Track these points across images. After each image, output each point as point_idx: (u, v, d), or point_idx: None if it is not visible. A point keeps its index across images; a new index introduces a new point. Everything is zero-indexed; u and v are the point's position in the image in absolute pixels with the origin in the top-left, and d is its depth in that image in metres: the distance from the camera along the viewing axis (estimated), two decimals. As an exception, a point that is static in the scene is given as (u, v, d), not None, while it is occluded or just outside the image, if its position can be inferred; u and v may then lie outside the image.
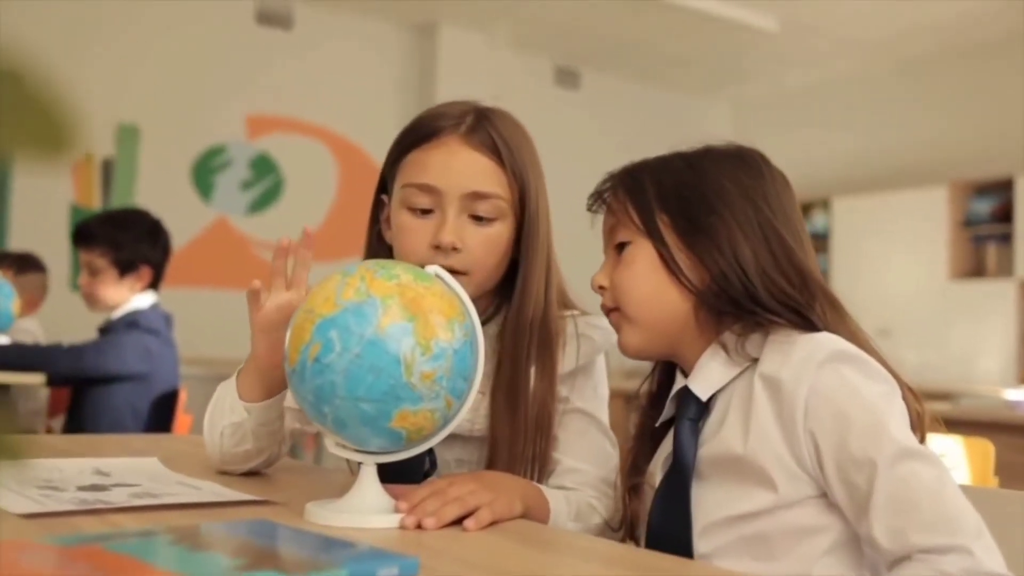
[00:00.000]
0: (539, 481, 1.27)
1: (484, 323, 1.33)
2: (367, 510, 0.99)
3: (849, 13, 6.17)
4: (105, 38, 5.75)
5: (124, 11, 5.81)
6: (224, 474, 1.27)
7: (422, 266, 1.05)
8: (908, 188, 6.79)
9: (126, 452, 1.42)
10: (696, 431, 1.13)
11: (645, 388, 1.27)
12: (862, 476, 1.00)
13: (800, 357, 1.04)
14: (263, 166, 6.42)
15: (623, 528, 1.23)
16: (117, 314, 2.81)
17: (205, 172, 6.23)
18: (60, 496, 1.03)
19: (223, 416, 1.25)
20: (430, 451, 1.30)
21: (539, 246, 1.31)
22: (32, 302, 3.55)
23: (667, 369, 1.24)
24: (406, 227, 1.29)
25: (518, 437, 1.26)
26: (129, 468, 1.25)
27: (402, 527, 0.97)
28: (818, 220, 7.26)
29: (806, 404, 1.03)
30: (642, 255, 1.16)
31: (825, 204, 7.27)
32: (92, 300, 2.82)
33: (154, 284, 2.89)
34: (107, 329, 2.81)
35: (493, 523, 1.01)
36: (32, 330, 3.43)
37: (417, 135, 1.30)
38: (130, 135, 5.95)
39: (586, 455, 1.30)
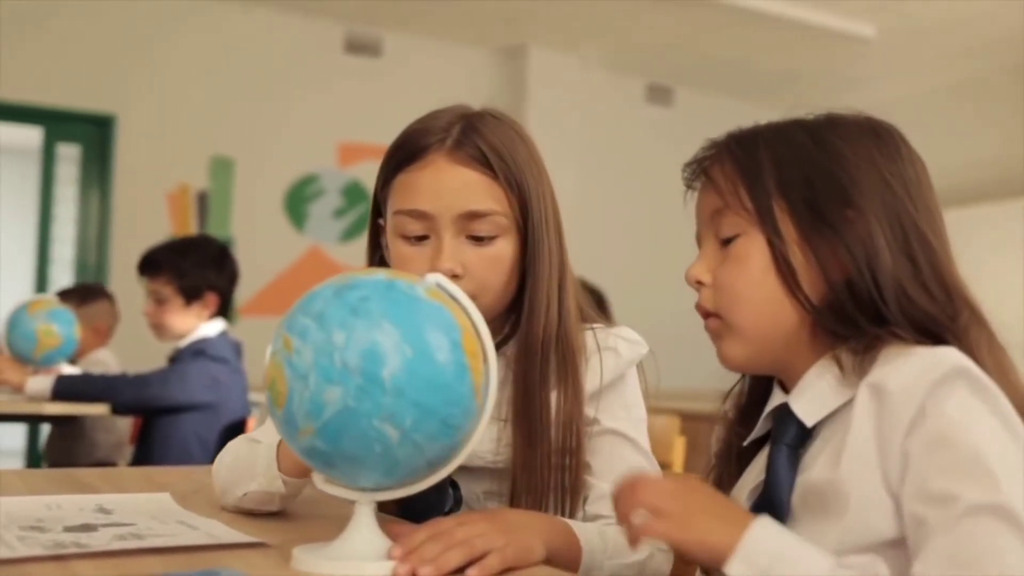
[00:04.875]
0: (572, 514, 1.14)
1: (501, 344, 1.22)
2: (358, 556, 0.87)
3: (951, 17, 5.87)
4: (197, 72, 5.84)
5: (214, 45, 5.90)
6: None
7: None
8: (1021, 198, 6.42)
9: (150, 486, 1.34)
10: (795, 461, 0.94)
11: (733, 398, 1.07)
12: (933, 512, 0.82)
13: (915, 369, 0.86)
14: (355, 194, 6.42)
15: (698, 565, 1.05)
16: (184, 343, 2.78)
17: (298, 201, 6.27)
18: (37, 538, 0.94)
19: (252, 480, 1.14)
20: (454, 484, 1.18)
21: (545, 257, 1.20)
22: (101, 331, 3.55)
23: (761, 377, 1.04)
24: (402, 257, 1.19)
25: (542, 466, 1.13)
26: (134, 505, 1.16)
27: (395, 576, 0.84)
28: (928, 234, 6.92)
29: (911, 423, 0.84)
30: (758, 252, 0.95)
31: (936, 217, 6.93)
32: (159, 329, 2.80)
33: (223, 311, 2.85)
34: (175, 358, 2.78)
35: (506, 571, 0.88)
36: (105, 361, 3.43)
37: (403, 155, 1.20)
38: (224, 166, 6.02)
39: None
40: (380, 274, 0.89)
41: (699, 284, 1.01)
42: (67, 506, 1.14)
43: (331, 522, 1.13)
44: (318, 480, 0.92)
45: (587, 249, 6.38)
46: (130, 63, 5.64)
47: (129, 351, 3.91)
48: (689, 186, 1.05)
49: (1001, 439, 0.83)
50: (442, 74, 6.60)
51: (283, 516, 1.17)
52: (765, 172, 0.97)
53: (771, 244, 0.95)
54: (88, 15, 5.52)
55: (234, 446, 1.21)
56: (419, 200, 1.17)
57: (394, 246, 1.21)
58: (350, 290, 0.86)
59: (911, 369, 0.86)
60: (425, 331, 0.84)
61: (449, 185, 1.17)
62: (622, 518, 0.85)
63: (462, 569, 0.86)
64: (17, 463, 5.70)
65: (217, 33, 5.91)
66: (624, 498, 0.86)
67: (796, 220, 0.95)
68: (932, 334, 0.91)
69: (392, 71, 6.44)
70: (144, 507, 1.16)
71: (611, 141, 6.79)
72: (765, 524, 0.83)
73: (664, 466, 2.73)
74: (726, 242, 0.99)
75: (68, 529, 1.00)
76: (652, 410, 3.12)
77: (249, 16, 5.98)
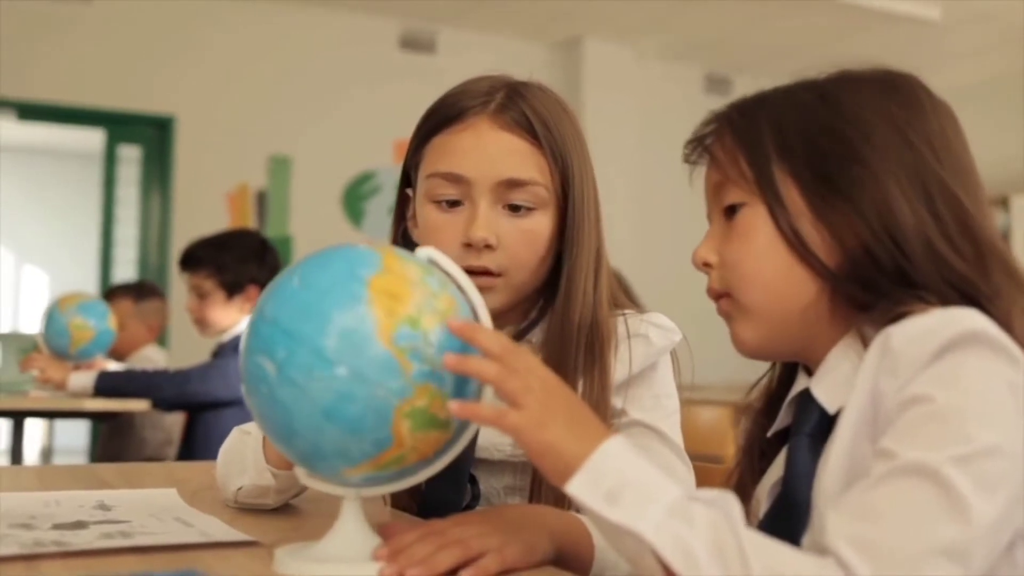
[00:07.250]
0: None
1: (528, 329, 1.15)
2: (341, 556, 0.81)
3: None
4: (254, 72, 5.87)
5: (271, 44, 5.92)
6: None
7: None
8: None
9: (166, 482, 1.30)
10: (816, 451, 0.84)
11: (761, 387, 0.99)
12: (874, 466, 0.73)
13: (924, 327, 0.77)
14: (412, 191, 6.40)
15: None
16: (226, 337, 2.76)
17: (355, 198, 6.27)
18: (18, 536, 0.90)
19: (243, 474, 1.10)
20: (473, 479, 1.12)
21: (585, 238, 1.12)
22: (153, 328, 3.59)
23: (791, 364, 0.95)
24: (432, 223, 1.12)
25: None
26: (136, 501, 1.12)
27: (381, 578, 0.78)
28: (998, 220, 6.69)
29: (910, 389, 0.74)
30: (763, 223, 0.88)
31: (1004, 203, 6.72)
32: (202, 324, 2.78)
33: (265, 306, 2.82)
34: (217, 353, 2.77)
35: (506, 572, 0.82)
36: (155, 358, 3.45)
37: (441, 117, 1.13)
38: (282, 166, 6.04)
39: None
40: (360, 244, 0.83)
41: (706, 266, 0.93)
42: (66, 503, 1.10)
43: (332, 520, 1.08)
44: (301, 475, 0.86)
45: (645, 242, 6.30)
46: (188, 64, 5.69)
47: (188, 349, 3.93)
48: (687, 160, 0.97)
49: (1002, 410, 0.73)
50: (497, 69, 6.53)
51: (285, 513, 1.12)
52: (764, 137, 0.89)
53: (772, 212, 0.87)
54: (146, 18, 5.58)
55: (229, 439, 1.17)
56: (456, 163, 1.11)
57: (423, 213, 1.14)
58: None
59: (918, 329, 0.77)
60: (324, 265, 0.78)
61: (490, 149, 1.10)
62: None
63: (456, 571, 0.80)
64: (81, 461, 5.79)
65: (273, 32, 5.93)
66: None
67: (800, 186, 0.87)
68: (967, 296, 0.81)
69: (447, 67, 6.38)
70: (146, 504, 1.11)
71: (669, 133, 6.62)
72: (618, 444, 0.76)
73: (716, 460, 2.64)
74: (730, 216, 0.91)
75: (57, 527, 0.96)
76: (704, 403, 3.02)
77: (305, 14, 5.99)
